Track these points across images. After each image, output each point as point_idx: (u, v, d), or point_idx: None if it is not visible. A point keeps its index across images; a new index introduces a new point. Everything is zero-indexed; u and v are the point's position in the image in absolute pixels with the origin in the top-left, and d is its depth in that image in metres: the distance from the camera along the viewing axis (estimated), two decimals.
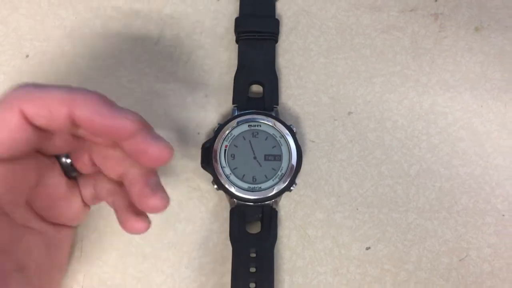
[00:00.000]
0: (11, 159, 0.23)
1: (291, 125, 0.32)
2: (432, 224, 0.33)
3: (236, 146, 0.31)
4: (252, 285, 0.30)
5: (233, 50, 0.35)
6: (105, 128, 0.22)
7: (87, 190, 0.27)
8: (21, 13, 0.36)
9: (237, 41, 0.34)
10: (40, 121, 0.22)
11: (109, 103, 0.22)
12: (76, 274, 0.31)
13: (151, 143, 0.23)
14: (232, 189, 0.30)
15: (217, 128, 0.32)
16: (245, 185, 0.31)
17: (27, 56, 0.35)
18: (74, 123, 0.22)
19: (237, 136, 0.31)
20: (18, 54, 0.35)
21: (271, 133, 0.31)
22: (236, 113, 0.32)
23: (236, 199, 0.31)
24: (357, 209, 0.33)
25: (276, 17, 0.35)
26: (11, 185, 0.23)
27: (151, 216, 0.25)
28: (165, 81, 0.35)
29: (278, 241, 0.32)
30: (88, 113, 0.22)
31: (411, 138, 0.34)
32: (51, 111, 0.22)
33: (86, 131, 0.23)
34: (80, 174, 0.27)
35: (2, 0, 0.36)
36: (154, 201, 0.23)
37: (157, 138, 0.23)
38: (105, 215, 0.32)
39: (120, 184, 0.26)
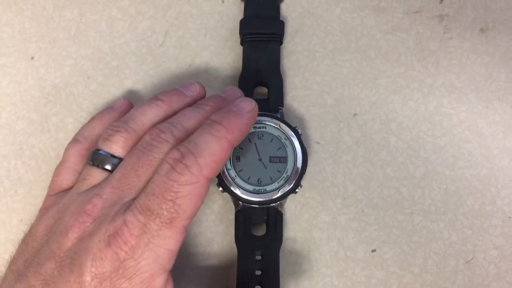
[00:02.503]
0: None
1: (296, 126, 0.32)
2: (438, 226, 0.32)
3: (241, 148, 0.31)
4: (258, 287, 0.30)
5: (237, 51, 0.35)
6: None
7: None
8: (26, 15, 0.36)
9: (241, 43, 0.34)
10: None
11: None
12: None
13: None
14: (237, 192, 0.30)
15: None
16: (250, 187, 0.31)
17: (32, 58, 0.35)
18: None
19: None
20: (23, 56, 0.35)
21: (276, 134, 0.31)
22: None
23: (241, 201, 0.31)
24: (363, 211, 0.33)
25: (281, 18, 0.35)
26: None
27: None
28: (169, 83, 0.35)
29: (283, 244, 0.32)
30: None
31: (416, 139, 0.34)
32: (224, 162, 0.25)
33: None
34: None
35: (8, 2, 0.36)
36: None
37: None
38: None
39: None
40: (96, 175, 0.26)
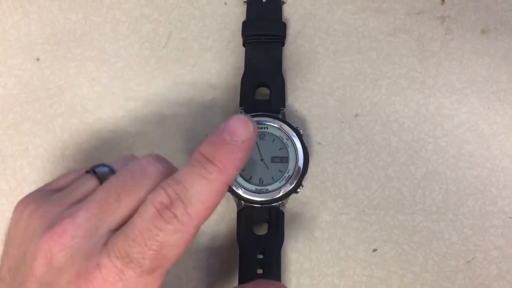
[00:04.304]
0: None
1: (297, 127, 0.32)
2: (439, 226, 0.33)
3: None
4: None
5: (240, 53, 0.35)
6: None
7: None
8: (32, 17, 0.36)
9: (244, 44, 0.35)
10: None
11: None
12: None
13: None
14: (239, 191, 0.31)
15: None
16: (252, 187, 0.31)
17: (37, 59, 0.35)
18: None
19: None
20: (29, 57, 0.35)
21: (278, 135, 0.32)
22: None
23: (243, 201, 0.31)
24: (364, 211, 0.33)
25: (283, 20, 0.36)
26: None
27: None
28: (172, 84, 0.35)
29: (285, 243, 0.32)
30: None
31: (418, 140, 0.34)
32: (213, 209, 0.22)
33: None
34: None
35: (14, 5, 0.36)
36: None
37: None
38: None
39: None
40: (86, 184, 0.24)
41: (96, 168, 0.25)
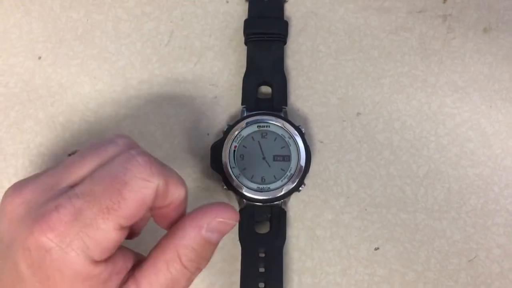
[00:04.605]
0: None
1: (299, 125, 0.32)
2: (441, 225, 0.33)
3: (245, 147, 0.32)
4: (261, 285, 0.30)
5: (242, 51, 0.35)
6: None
7: None
8: (33, 15, 0.36)
9: (246, 43, 0.35)
10: (160, 200, 0.22)
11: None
12: None
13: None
14: (241, 190, 0.31)
15: (226, 129, 0.32)
16: (254, 186, 0.31)
17: (39, 58, 0.35)
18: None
19: (246, 136, 0.32)
20: (30, 56, 0.35)
21: (280, 133, 0.32)
22: (245, 114, 0.32)
23: (245, 199, 0.31)
24: (366, 210, 0.33)
25: (285, 18, 0.36)
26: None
27: None
28: (174, 83, 0.35)
29: (287, 241, 0.32)
30: (183, 195, 0.23)
31: (420, 138, 0.34)
32: (173, 194, 0.23)
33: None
34: None
35: (16, 3, 0.36)
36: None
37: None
38: None
39: None
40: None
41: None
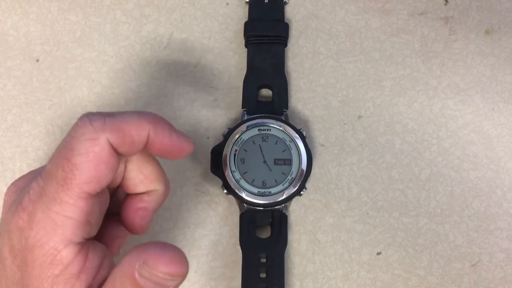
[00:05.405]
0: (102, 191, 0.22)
1: (300, 129, 0.32)
2: (444, 229, 0.32)
3: (246, 151, 0.31)
4: None
5: (242, 54, 0.35)
6: (172, 148, 0.24)
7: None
8: (31, 18, 0.36)
9: (246, 45, 0.34)
10: (124, 148, 0.22)
11: (170, 125, 0.24)
12: None
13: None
14: (242, 194, 0.30)
15: (227, 133, 0.32)
16: (255, 190, 0.31)
17: (37, 60, 0.35)
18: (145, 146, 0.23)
19: (246, 140, 0.31)
20: (28, 58, 0.35)
21: (281, 137, 0.31)
22: (245, 117, 0.32)
23: (246, 203, 0.31)
24: (368, 214, 0.33)
25: (285, 21, 0.35)
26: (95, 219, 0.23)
27: (159, 220, 0.25)
28: (174, 85, 0.35)
29: (288, 246, 0.31)
30: (163, 136, 0.23)
31: (422, 141, 0.34)
32: (133, 138, 0.22)
33: (151, 151, 0.24)
34: None
35: (13, 5, 0.36)
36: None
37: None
38: None
39: None
40: None
41: None
